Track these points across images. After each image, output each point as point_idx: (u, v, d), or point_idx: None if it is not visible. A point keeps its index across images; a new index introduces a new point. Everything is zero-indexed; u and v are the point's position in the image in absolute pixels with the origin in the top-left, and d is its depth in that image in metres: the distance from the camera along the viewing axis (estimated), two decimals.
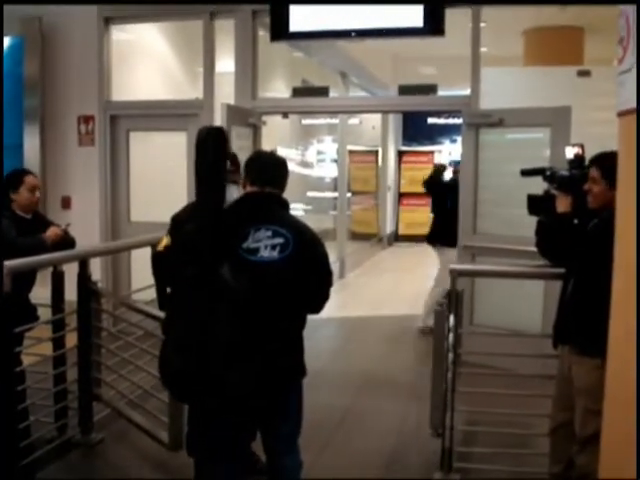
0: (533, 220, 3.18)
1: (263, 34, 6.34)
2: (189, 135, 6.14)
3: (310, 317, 2.81)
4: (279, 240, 2.65)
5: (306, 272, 2.67)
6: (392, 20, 5.71)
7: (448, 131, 15.01)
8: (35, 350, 3.96)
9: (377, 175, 13.14)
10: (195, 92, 6.76)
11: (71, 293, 4.04)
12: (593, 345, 2.64)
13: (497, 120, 5.59)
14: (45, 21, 6.58)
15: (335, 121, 10.65)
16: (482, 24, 5.77)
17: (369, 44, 7.68)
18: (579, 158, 3.28)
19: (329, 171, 11.61)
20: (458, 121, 7.95)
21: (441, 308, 3.66)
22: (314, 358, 3.57)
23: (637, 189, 1.91)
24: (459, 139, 8.73)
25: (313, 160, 11.60)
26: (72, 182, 6.78)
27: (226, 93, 6.37)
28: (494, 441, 3.85)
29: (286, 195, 2.86)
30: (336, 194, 10.69)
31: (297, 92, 6.83)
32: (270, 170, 2.84)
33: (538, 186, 3.37)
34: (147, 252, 3.96)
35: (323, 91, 6.59)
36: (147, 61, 7.44)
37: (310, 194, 10.75)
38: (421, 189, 7.59)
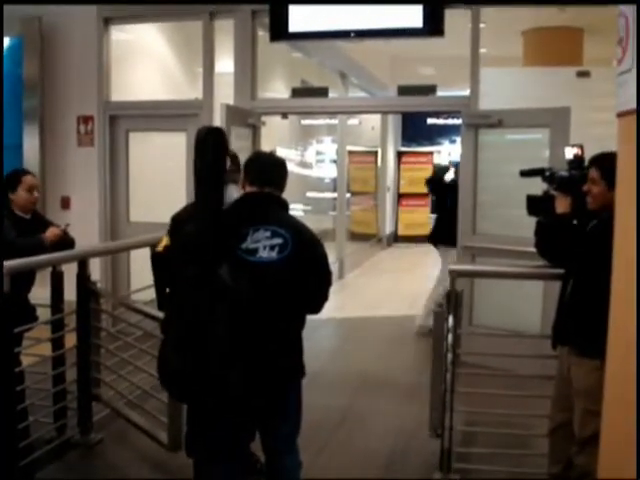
0: (532, 221, 3.19)
1: (262, 34, 6.34)
2: (188, 135, 6.14)
3: (309, 317, 2.81)
4: (278, 240, 2.65)
5: (305, 272, 2.67)
6: (391, 20, 5.71)
7: (447, 132, 15.03)
8: (34, 350, 3.96)
9: (376, 176, 13.14)
10: (194, 92, 6.76)
11: (70, 293, 4.04)
12: (592, 346, 2.64)
13: (496, 121, 5.60)
14: (45, 21, 6.58)
15: (334, 121, 10.65)
16: (481, 25, 5.78)
17: (368, 44, 7.70)
18: (578, 159, 3.27)
19: (328, 171, 11.61)
20: (457, 122, 7.97)
21: (440, 309, 3.66)
22: (313, 358, 3.57)
23: (637, 190, 1.91)
24: (458, 140, 8.74)
25: (312, 161, 11.60)
26: (71, 182, 6.78)
27: (225, 93, 6.36)
28: (493, 442, 3.85)
29: (285, 195, 2.86)
30: (335, 194, 10.69)
31: (296, 92, 6.82)
32: (269, 170, 2.84)
33: (537, 187, 3.37)
34: (146, 252, 3.96)
35: (322, 92, 6.58)
36: (146, 61, 7.44)
37: (309, 194, 10.75)
38: (420, 190, 7.63)
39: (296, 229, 2.71)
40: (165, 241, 2.86)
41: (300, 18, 5.88)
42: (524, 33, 8.87)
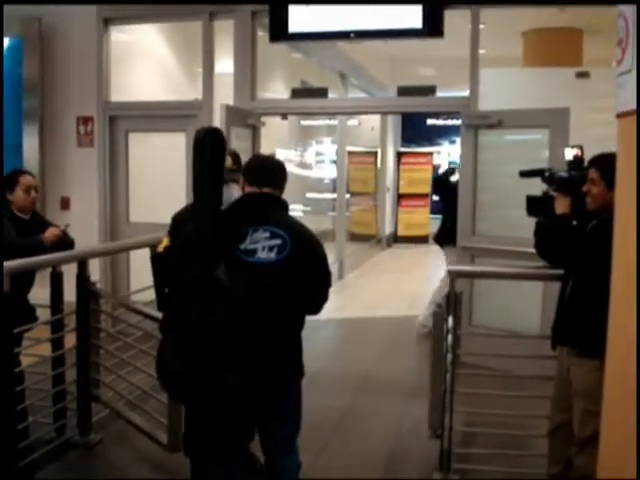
0: (532, 221, 3.19)
1: (262, 35, 6.34)
2: (188, 136, 6.14)
3: (309, 318, 2.81)
4: (277, 241, 2.65)
5: (304, 273, 2.67)
6: (391, 21, 5.71)
7: (447, 132, 15.04)
8: (34, 351, 3.96)
9: (376, 176, 13.14)
10: (194, 93, 6.76)
11: (70, 294, 4.04)
12: (592, 346, 2.64)
13: (496, 121, 5.60)
14: (44, 22, 6.58)
15: (334, 122, 10.65)
16: (481, 25, 5.78)
17: (368, 45, 7.71)
18: (578, 159, 3.27)
19: (328, 172, 11.61)
20: (457, 122, 7.97)
21: (440, 309, 3.66)
22: (313, 359, 3.57)
23: (637, 190, 1.91)
24: (458, 140, 8.74)
25: (312, 161, 11.60)
26: (71, 183, 6.78)
27: (225, 94, 6.36)
28: (493, 442, 3.85)
29: (285, 196, 2.86)
30: (335, 195, 10.70)
31: (296, 93, 6.82)
32: (268, 171, 2.84)
33: (537, 187, 3.38)
34: (146, 253, 3.97)
35: (322, 92, 6.58)
36: (146, 62, 7.44)
37: (309, 195, 10.75)
38: (420, 190, 7.63)
39: (295, 230, 2.71)
40: (165, 242, 2.86)
41: (300, 19, 5.89)
42: (524, 34, 8.88)
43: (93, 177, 6.69)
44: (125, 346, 4.24)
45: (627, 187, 2.00)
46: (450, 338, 3.64)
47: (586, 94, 6.29)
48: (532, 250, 3.16)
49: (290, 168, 3.51)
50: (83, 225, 6.16)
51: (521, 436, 3.98)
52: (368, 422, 4.60)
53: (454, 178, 7.07)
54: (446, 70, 8.79)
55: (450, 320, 3.64)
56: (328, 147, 11.75)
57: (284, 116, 8.30)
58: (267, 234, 2.66)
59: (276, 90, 8.87)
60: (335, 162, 10.86)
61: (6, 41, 6.47)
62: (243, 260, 2.63)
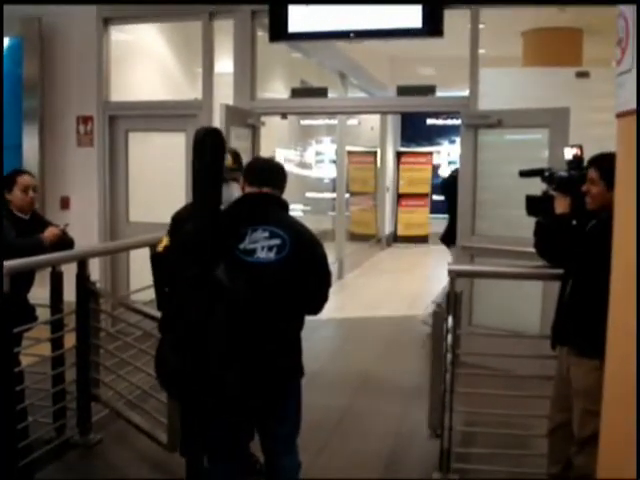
0: (532, 221, 3.19)
1: (262, 35, 6.34)
2: (188, 135, 6.14)
3: (309, 318, 2.80)
4: (276, 241, 2.64)
5: (304, 273, 2.67)
6: (391, 21, 5.71)
7: (447, 132, 15.03)
8: (34, 350, 3.95)
9: (376, 176, 13.14)
10: (194, 93, 6.76)
11: (70, 293, 4.04)
12: (591, 346, 2.64)
13: (496, 121, 5.60)
14: (44, 21, 6.58)
15: (334, 122, 10.65)
16: (481, 25, 5.78)
17: (368, 45, 7.72)
18: (578, 159, 3.28)
19: (328, 172, 11.61)
20: (457, 122, 7.97)
21: (440, 309, 3.66)
22: (313, 359, 3.58)
23: (637, 190, 1.91)
24: (458, 140, 8.74)
25: (312, 161, 11.60)
26: (71, 182, 6.78)
27: (225, 94, 6.37)
28: (492, 442, 3.85)
29: (284, 196, 2.86)
30: (335, 195, 10.70)
31: (296, 93, 6.82)
32: (267, 171, 2.85)
33: (537, 187, 3.38)
34: (146, 252, 3.97)
35: (322, 92, 6.58)
36: (146, 62, 7.44)
37: (309, 195, 10.75)
38: (420, 190, 7.63)
39: (295, 230, 2.71)
40: (165, 241, 2.86)
41: (299, 18, 5.89)
42: (523, 34, 8.88)
43: (93, 177, 6.69)
44: (125, 346, 4.24)
45: (626, 187, 2.00)
46: (450, 338, 3.64)
47: (586, 94, 6.29)
48: (532, 250, 3.16)
49: (290, 168, 3.51)
50: (83, 225, 6.16)
51: (521, 436, 3.98)
52: (368, 422, 4.60)
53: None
54: (446, 70, 8.79)
55: (450, 320, 3.64)
56: (328, 147, 11.75)
57: (284, 116, 8.31)
58: (266, 234, 2.65)
59: (276, 90, 8.87)
60: (335, 162, 10.86)
61: (6, 41, 6.47)
62: (242, 260, 2.63)
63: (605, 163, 2.74)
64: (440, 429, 3.60)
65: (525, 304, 5.35)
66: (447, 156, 15.05)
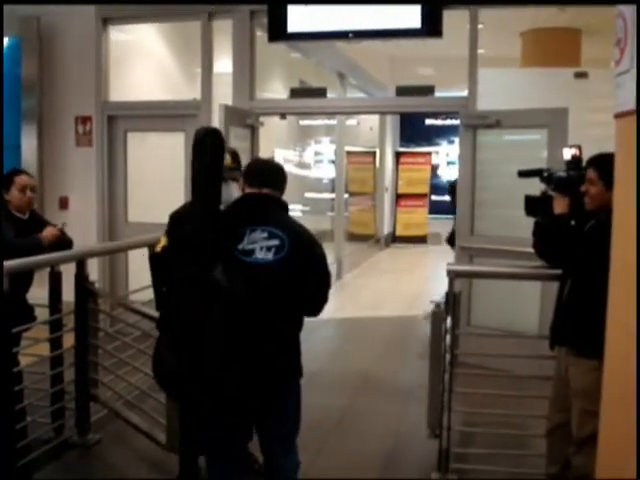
0: (530, 221, 3.19)
1: (261, 35, 6.34)
2: (187, 136, 6.14)
3: (308, 318, 2.80)
4: (274, 242, 2.64)
5: (303, 274, 2.66)
6: (390, 21, 5.71)
7: (445, 132, 15.06)
8: (32, 350, 3.95)
9: (375, 176, 13.14)
10: (193, 93, 6.76)
11: (68, 294, 4.04)
12: (590, 346, 2.64)
13: (494, 121, 5.60)
14: (43, 21, 6.58)
15: (333, 122, 10.65)
16: (480, 25, 5.78)
17: (367, 45, 7.72)
18: (576, 159, 3.28)
19: (327, 172, 11.62)
20: (455, 122, 7.97)
21: (438, 309, 3.66)
22: (312, 359, 3.58)
23: (637, 190, 1.92)
24: (456, 140, 8.74)
25: (311, 161, 11.60)
26: (70, 182, 6.78)
27: (224, 94, 6.36)
28: (491, 442, 3.86)
29: (283, 196, 2.86)
30: (334, 195, 10.70)
31: (295, 93, 6.82)
32: (267, 172, 2.85)
33: (535, 187, 3.38)
34: (144, 253, 3.97)
35: (321, 92, 6.59)
36: (145, 62, 7.44)
37: (308, 195, 10.75)
38: (419, 190, 7.62)
39: (294, 230, 2.70)
40: (163, 242, 2.86)
41: (299, 18, 5.89)
42: (522, 34, 8.89)
43: (92, 177, 6.69)
44: (123, 346, 4.24)
45: (626, 187, 2.01)
46: (448, 338, 3.64)
47: (584, 94, 6.30)
48: (530, 250, 3.16)
49: (289, 168, 3.51)
50: (81, 225, 6.16)
51: (519, 436, 3.98)
52: (367, 422, 4.60)
53: None
54: (445, 70, 8.80)
55: (449, 320, 3.64)
56: (327, 147, 11.75)
57: (283, 116, 8.31)
58: (265, 234, 2.65)
59: (275, 90, 8.87)
60: (334, 162, 10.87)
61: (5, 41, 6.46)
62: (240, 260, 2.63)
63: (604, 163, 2.74)
64: (439, 429, 3.60)
65: (524, 304, 5.35)
66: (446, 156, 15.08)
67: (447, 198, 7.21)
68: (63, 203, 6.75)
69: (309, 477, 3.39)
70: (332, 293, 2.83)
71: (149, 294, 3.28)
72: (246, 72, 6.34)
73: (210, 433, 2.76)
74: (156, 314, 3.12)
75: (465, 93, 5.91)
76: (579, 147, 3.28)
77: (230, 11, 6.30)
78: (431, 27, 5.61)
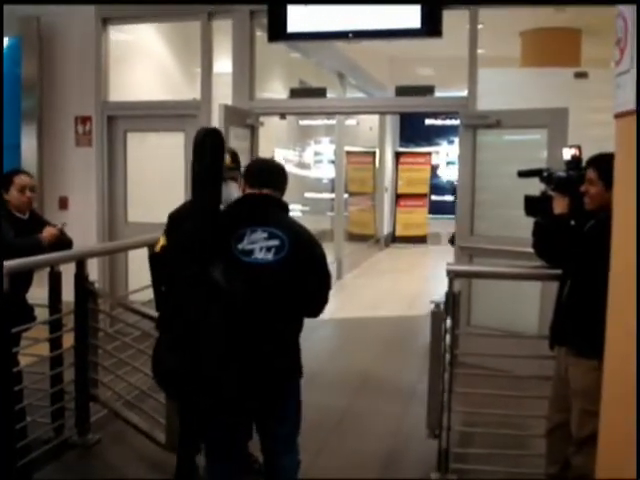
0: (530, 221, 3.19)
1: (261, 35, 6.34)
2: (187, 136, 6.14)
3: (308, 319, 2.80)
4: (274, 242, 2.64)
5: (303, 274, 2.66)
6: (389, 21, 5.71)
7: (445, 132, 15.04)
8: (32, 350, 3.95)
9: (374, 176, 13.13)
10: (193, 93, 6.76)
11: (68, 294, 4.04)
12: (590, 346, 2.64)
13: (494, 121, 5.60)
14: (43, 21, 6.58)
15: (332, 122, 10.65)
16: (479, 25, 5.78)
17: (367, 45, 7.71)
18: (576, 159, 3.28)
19: (326, 172, 11.61)
20: (455, 122, 7.98)
21: (438, 309, 3.66)
22: (312, 359, 3.57)
23: (636, 190, 1.92)
24: (456, 140, 8.74)
25: (310, 161, 11.59)
26: (69, 182, 6.78)
27: (224, 94, 6.36)
28: (491, 442, 3.86)
29: (284, 196, 2.86)
30: (333, 195, 10.70)
31: (295, 93, 6.82)
32: (267, 172, 2.84)
33: (535, 187, 3.38)
34: (144, 253, 3.97)
35: (320, 92, 6.59)
36: (145, 62, 7.44)
37: (307, 195, 10.75)
38: (418, 190, 7.61)
39: (294, 231, 2.70)
40: (162, 241, 2.86)
41: (298, 18, 5.89)
42: (522, 34, 8.88)
43: (91, 177, 6.69)
44: (123, 346, 4.25)
45: (625, 187, 2.01)
46: (448, 338, 3.64)
47: (584, 94, 6.29)
48: (530, 250, 3.16)
49: (288, 168, 3.51)
50: (81, 225, 6.16)
51: (519, 436, 3.98)
52: (367, 422, 4.60)
53: None
54: (444, 70, 8.80)
55: (448, 320, 3.64)
56: (326, 147, 11.74)
57: (282, 116, 8.31)
58: (265, 235, 2.65)
59: (274, 90, 8.87)
60: (333, 162, 10.86)
61: (5, 41, 6.46)
62: (240, 260, 2.63)
63: (604, 163, 2.74)
64: (438, 429, 3.60)
65: (523, 304, 5.35)
66: (446, 156, 15.06)
67: (447, 198, 7.22)
68: (63, 203, 6.75)
69: (309, 477, 3.39)
70: (332, 293, 2.83)
71: (149, 294, 3.28)
72: (246, 72, 6.35)
73: (210, 433, 2.76)
74: (156, 314, 3.13)
75: (465, 93, 5.91)
76: (579, 147, 3.28)
77: (230, 11, 6.30)
78: (431, 27, 5.61)
